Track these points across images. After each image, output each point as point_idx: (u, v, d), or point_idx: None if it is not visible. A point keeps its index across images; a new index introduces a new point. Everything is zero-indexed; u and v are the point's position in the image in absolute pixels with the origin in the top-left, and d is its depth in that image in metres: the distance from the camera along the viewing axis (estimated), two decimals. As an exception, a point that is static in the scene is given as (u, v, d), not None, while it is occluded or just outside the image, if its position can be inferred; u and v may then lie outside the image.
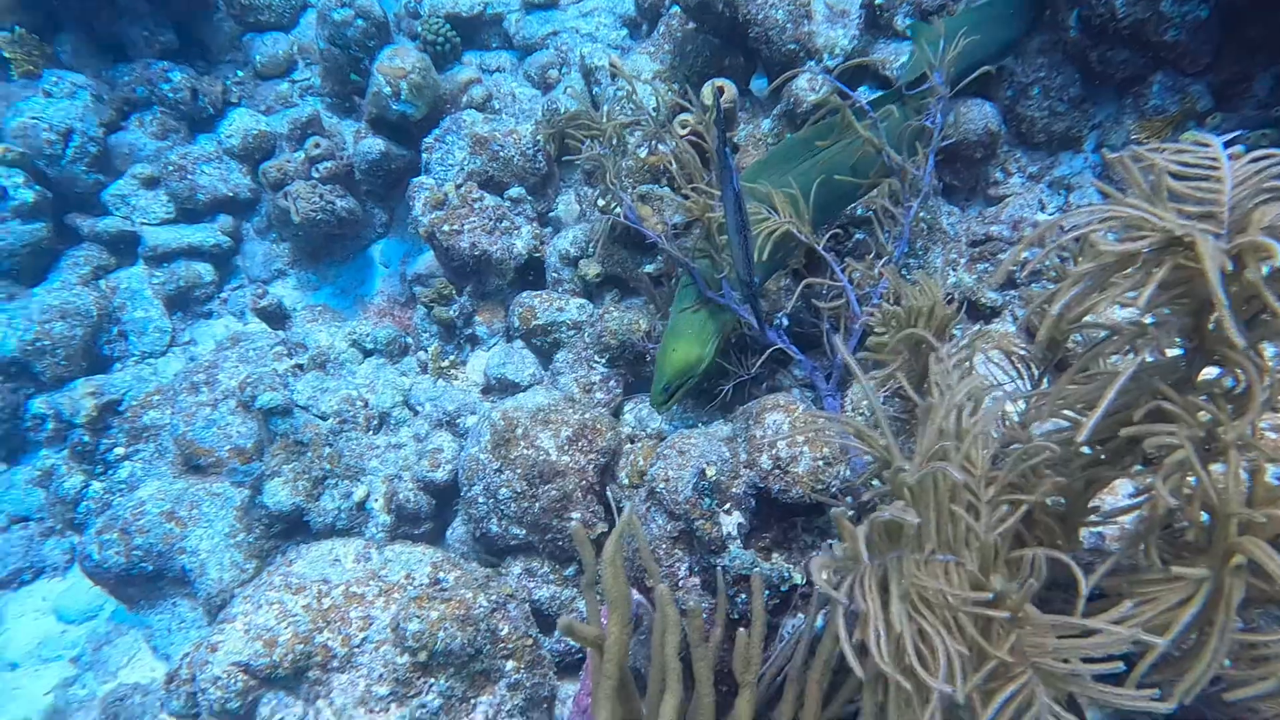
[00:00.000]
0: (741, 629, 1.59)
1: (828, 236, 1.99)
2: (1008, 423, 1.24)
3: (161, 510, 2.84)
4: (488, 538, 2.47)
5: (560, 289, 2.86)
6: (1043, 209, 2.21)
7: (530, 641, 2.20)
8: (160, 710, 2.28)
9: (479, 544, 2.55)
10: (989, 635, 0.94)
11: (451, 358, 2.98)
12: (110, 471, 3.15)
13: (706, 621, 1.80)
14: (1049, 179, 2.30)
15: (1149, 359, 1.04)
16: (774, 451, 1.76)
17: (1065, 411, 1.13)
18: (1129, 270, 1.00)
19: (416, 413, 2.90)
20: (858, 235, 2.29)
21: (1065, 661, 0.85)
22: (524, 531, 2.40)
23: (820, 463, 1.73)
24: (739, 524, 1.79)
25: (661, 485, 1.86)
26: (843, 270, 1.94)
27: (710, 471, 1.76)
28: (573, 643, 2.43)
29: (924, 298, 1.30)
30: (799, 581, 1.81)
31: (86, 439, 3.16)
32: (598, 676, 1.53)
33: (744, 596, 1.76)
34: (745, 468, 1.80)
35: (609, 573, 1.55)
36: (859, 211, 2.32)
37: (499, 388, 2.82)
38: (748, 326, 2.08)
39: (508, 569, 2.48)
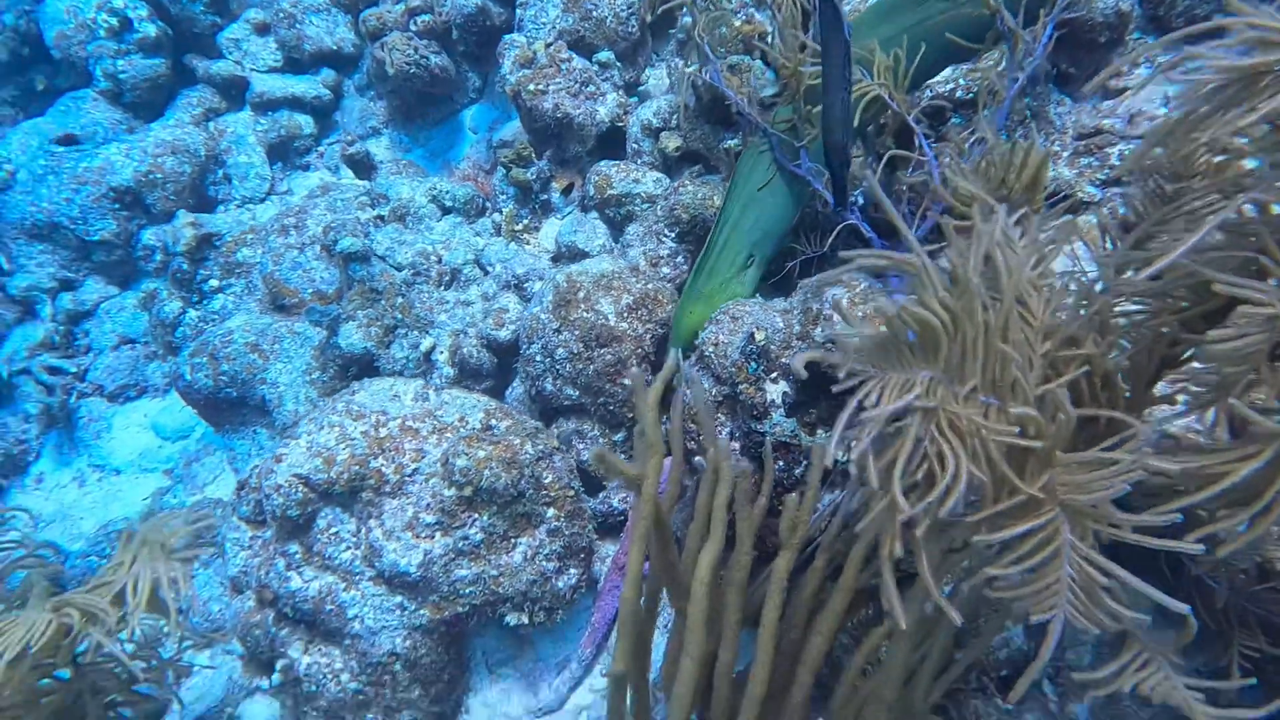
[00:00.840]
0: (792, 494, 1.59)
1: (919, 109, 1.86)
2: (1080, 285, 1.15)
3: (247, 341, 3.01)
4: (543, 396, 2.52)
5: (639, 161, 2.81)
6: (1168, 105, 2.01)
7: (572, 494, 2.26)
8: (232, 514, 2.47)
9: (534, 403, 2.61)
10: (1021, 474, 0.90)
11: (525, 222, 2.99)
12: (205, 301, 3.34)
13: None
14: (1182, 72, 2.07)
15: (1249, 210, 0.94)
16: (830, 326, 1.71)
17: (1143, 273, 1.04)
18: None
19: (487, 273, 2.94)
20: (954, 120, 2.14)
21: (1090, 495, 0.80)
22: (577, 393, 2.44)
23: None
24: (784, 393, 1.76)
25: (710, 349, 1.84)
26: (931, 146, 1.82)
27: (759, 335, 1.72)
28: (615, 505, 2.49)
29: (1018, 148, 1.20)
30: (840, 459, 1.78)
31: (185, 267, 3.35)
32: (635, 517, 1.55)
33: (782, 464, 1.74)
34: (798, 339, 1.76)
35: (650, 418, 1.55)
36: (959, 95, 2.16)
37: (569, 255, 2.83)
38: (821, 201, 2.00)
39: (559, 428, 2.54)
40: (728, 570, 1.62)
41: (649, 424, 1.55)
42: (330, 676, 2.22)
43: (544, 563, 2.22)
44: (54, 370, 3.39)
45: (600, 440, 2.52)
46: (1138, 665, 1.06)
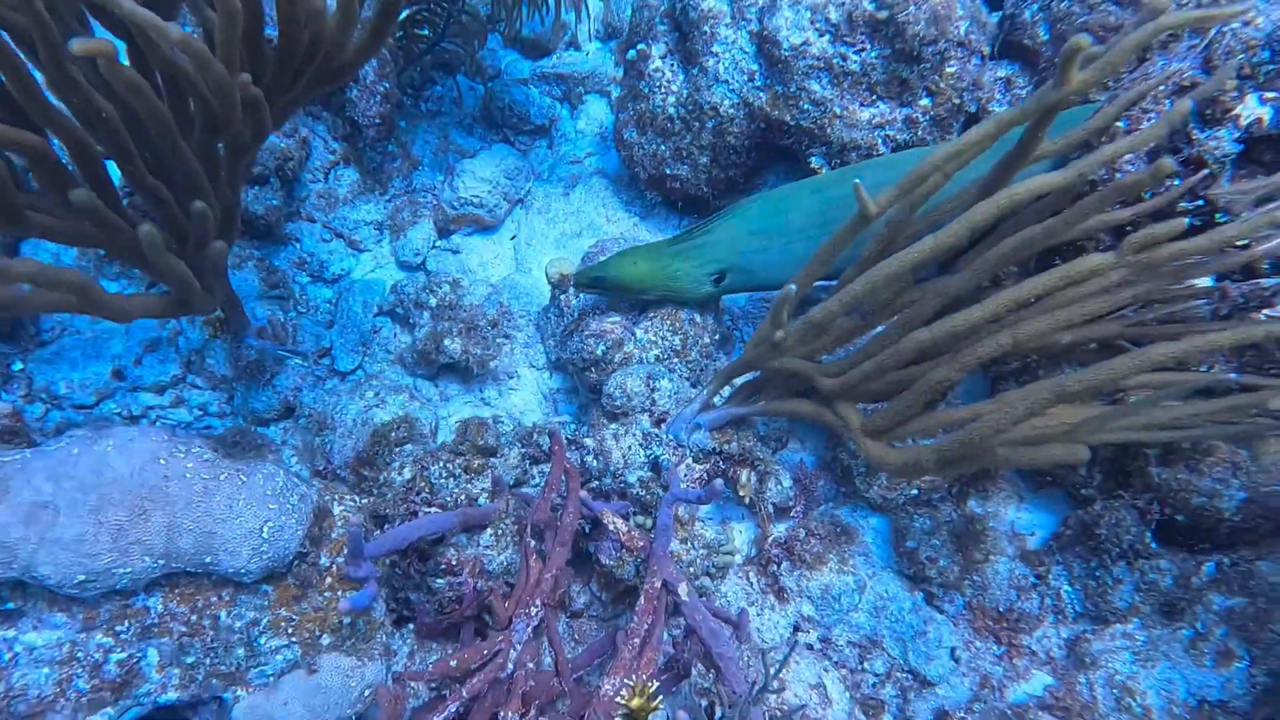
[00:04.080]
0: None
1: None
2: None
3: None
4: (1013, 24, 2.24)
5: None
6: None
7: (956, 102, 2.08)
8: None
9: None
10: None
11: None
12: None
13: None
14: None
15: None
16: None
17: None
18: None
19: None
20: None
21: None
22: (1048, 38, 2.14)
23: None
24: (1256, 122, 1.40)
25: (1232, 26, 1.47)
26: None
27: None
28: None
29: None
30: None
31: None
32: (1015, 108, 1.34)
33: (1179, 181, 1.46)
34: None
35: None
36: None
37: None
38: None
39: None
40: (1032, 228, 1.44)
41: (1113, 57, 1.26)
42: (661, 91, 2.41)
43: (880, 138, 2.15)
44: None
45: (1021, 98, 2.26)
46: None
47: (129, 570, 1.42)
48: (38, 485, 1.39)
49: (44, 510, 1.38)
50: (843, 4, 2.04)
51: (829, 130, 2.15)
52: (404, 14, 2.75)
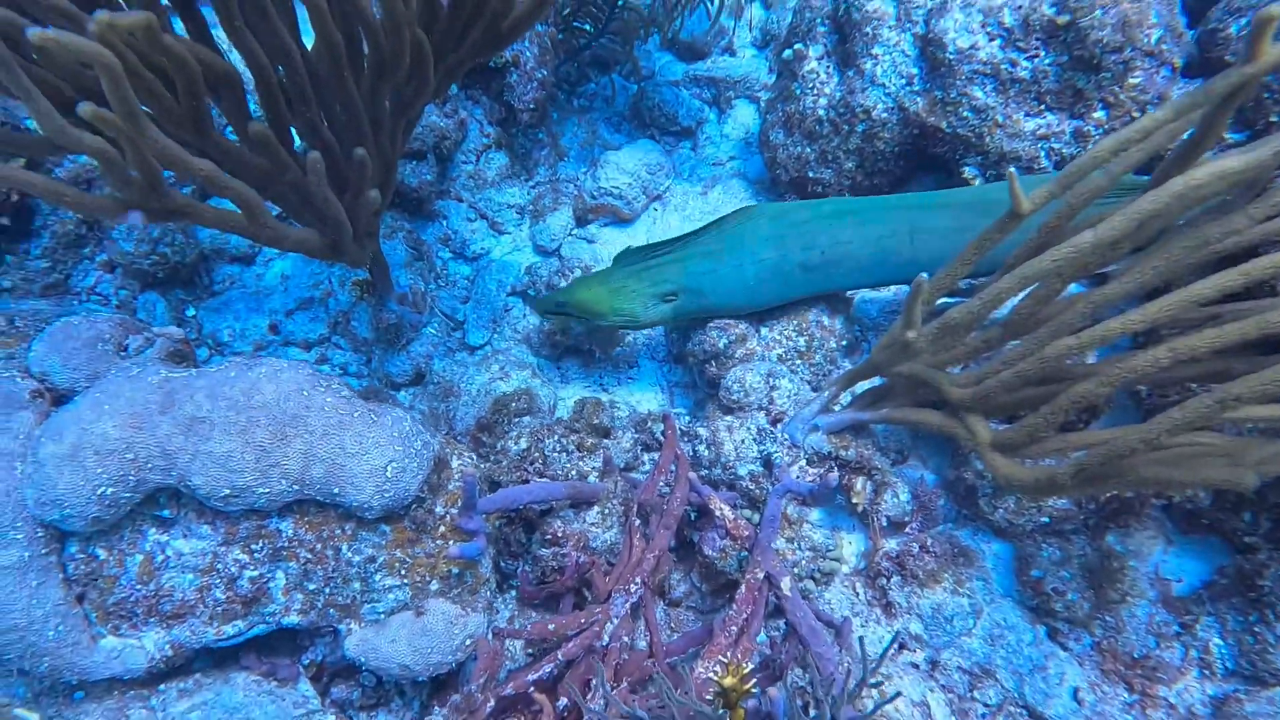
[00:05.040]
0: None
1: None
2: None
3: None
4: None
5: None
6: None
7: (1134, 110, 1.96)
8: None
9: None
10: None
11: None
12: None
13: None
14: None
15: None
16: None
17: None
18: None
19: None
20: None
21: None
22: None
23: None
24: None
25: None
26: None
27: None
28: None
29: None
30: None
31: None
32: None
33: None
34: None
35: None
36: None
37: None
38: None
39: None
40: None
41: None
42: (813, 93, 2.38)
43: (1043, 151, 2.04)
44: None
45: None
46: None
47: (267, 490, 1.52)
48: (198, 401, 1.51)
49: (201, 424, 1.49)
50: (1020, 6, 1.95)
51: (987, 139, 2.06)
52: (566, 9, 2.86)
